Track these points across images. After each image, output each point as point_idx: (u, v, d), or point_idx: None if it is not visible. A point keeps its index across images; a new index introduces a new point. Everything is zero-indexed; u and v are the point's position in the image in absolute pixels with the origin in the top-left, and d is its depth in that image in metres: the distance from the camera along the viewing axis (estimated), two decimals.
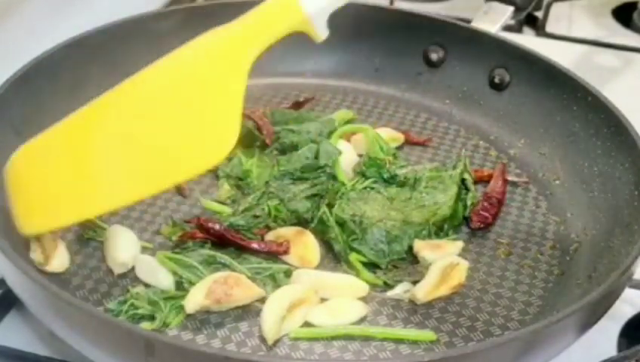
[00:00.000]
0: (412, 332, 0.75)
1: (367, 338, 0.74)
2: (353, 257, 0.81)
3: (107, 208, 0.76)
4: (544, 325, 0.65)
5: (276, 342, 0.73)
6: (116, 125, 0.76)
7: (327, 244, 0.83)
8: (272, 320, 0.73)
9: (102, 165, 0.74)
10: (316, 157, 0.90)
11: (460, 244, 0.83)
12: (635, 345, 0.78)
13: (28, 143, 0.78)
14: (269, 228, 0.84)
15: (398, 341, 0.74)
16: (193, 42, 0.78)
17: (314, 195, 0.86)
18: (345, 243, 0.82)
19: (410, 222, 0.84)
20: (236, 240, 0.80)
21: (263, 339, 0.73)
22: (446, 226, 0.85)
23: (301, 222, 0.84)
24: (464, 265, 0.80)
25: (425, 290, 0.77)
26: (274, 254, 0.80)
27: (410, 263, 0.82)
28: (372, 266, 0.81)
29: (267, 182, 0.88)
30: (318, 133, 0.96)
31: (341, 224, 0.83)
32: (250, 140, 0.95)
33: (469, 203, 0.88)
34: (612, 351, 0.80)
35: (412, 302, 0.78)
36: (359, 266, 0.81)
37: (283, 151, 0.93)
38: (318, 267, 0.81)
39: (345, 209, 0.84)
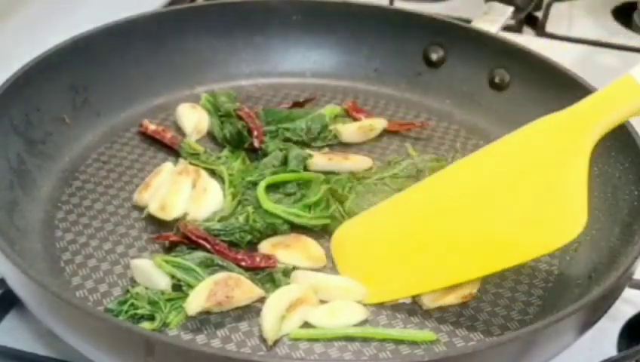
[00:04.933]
0: (412, 333, 0.75)
1: (367, 339, 0.74)
2: None
3: (439, 285, 0.76)
4: (544, 325, 0.64)
5: (276, 342, 0.73)
6: (453, 201, 0.78)
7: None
8: (271, 320, 0.73)
9: (436, 241, 0.77)
10: (284, 163, 0.90)
11: None
12: (635, 345, 0.78)
13: (355, 218, 0.83)
14: (259, 238, 0.83)
15: (398, 341, 0.74)
16: (536, 123, 0.79)
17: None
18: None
19: None
20: (222, 251, 0.79)
21: (263, 339, 0.73)
22: None
23: (278, 232, 0.83)
24: None
25: (432, 297, 0.77)
26: (261, 269, 0.79)
27: None
28: None
29: (242, 191, 0.87)
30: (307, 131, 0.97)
31: None
32: (239, 141, 0.95)
33: None
34: (612, 351, 0.80)
35: (417, 304, 0.78)
36: None
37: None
38: (325, 267, 0.81)
39: (359, 203, 0.84)
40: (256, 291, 0.75)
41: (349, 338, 0.74)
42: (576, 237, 0.73)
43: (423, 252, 0.77)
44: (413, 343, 0.74)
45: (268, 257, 0.79)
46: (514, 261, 0.74)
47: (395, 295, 0.78)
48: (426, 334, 0.74)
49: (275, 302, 0.74)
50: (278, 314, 0.73)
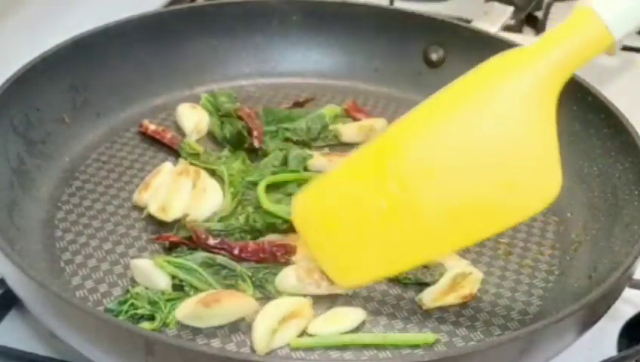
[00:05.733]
0: (411, 337, 0.74)
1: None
2: None
3: (419, 261, 0.73)
4: (544, 325, 0.64)
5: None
6: (416, 165, 0.70)
7: None
8: (262, 332, 0.72)
9: (402, 213, 0.70)
10: (284, 163, 0.90)
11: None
12: (635, 345, 0.78)
13: (315, 184, 0.76)
14: (256, 236, 0.83)
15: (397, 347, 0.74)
16: (487, 70, 0.71)
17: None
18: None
19: None
20: (241, 256, 0.79)
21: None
22: None
23: (277, 232, 0.83)
24: (477, 275, 0.79)
25: (432, 296, 0.77)
26: (274, 260, 0.79)
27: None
28: None
29: (242, 191, 0.87)
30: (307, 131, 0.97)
31: None
32: (239, 141, 0.95)
33: None
34: (612, 351, 0.80)
35: (417, 304, 0.78)
36: None
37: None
38: None
39: None
40: (250, 302, 0.75)
41: (348, 346, 0.73)
42: (550, 202, 0.68)
43: (390, 225, 0.70)
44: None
45: (284, 247, 0.79)
46: (487, 231, 0.70)
47: (370, 276, 0.74)
48: (426, 336, 0.74)
49: (268, 315, 0.73)
50: (270, 327, 0.72)
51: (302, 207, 0.76)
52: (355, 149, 0.75)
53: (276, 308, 0.74)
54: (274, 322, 0.72)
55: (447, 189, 0.69)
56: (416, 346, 0.74)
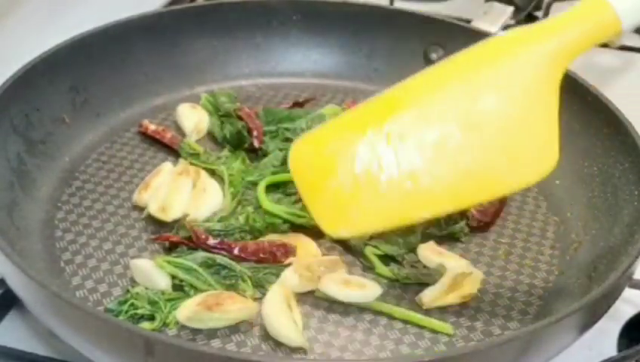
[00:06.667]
0: (430, 322, 0.75)
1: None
2: (368, 251, 0.81)
3: (412, 219, 0.74)
4: (544, 325, 0.65)
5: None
6: (418, 127, 0.73)
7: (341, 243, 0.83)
8: (288, 325, 0.72)
9: (408, 166, 0.72)
10: (284, 163, 0.90)
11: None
12: (635, 345, 0.78)
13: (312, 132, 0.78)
14: (256, 236, 0.83)
15: (419, 326, 0.75)
16: (495, 43, 0.76)
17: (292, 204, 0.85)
18: (360, 237, 0.81)
19: None
20: (241, 256, 0.79)
21: (263, 339, 0.73)
22: (455, 215, 0.85)
23: (277, 232, 0.83)
24: (477, 275, 0.79)
25: (431, 297, 0.77)
26: (274, 260, 0.80)
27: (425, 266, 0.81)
28: (387, 259, 0.81)
29: (242, 191, 0.87)
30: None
31: None
32: (239, 141, 0.95)
33: None
34: (612, 351, 0.80)
35: (417, 304, 0.78)
36: (375, 260, 0.81)
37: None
38: None
39: None
40: (251, 306, 0.75)
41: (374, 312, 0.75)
42: (546, 175, 0.71)
43: (384, 180, 0.72)
44: (413, 342, 0.74)
45: (284, 247, 0.79)
46: (482, 196, 0.73)
47: (361, 228, 0.75)
48: (444, 325, 0.75)
49: (277, 310, 0.73)
50: (289, 316, 0.72)
51: (299, 153, 0.78)
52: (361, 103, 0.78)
53: (275, 298, 0.74)
54: (287, 311, 0.73)
55: (445, 151, 0.71)
56: (433, 331, 0.75)
